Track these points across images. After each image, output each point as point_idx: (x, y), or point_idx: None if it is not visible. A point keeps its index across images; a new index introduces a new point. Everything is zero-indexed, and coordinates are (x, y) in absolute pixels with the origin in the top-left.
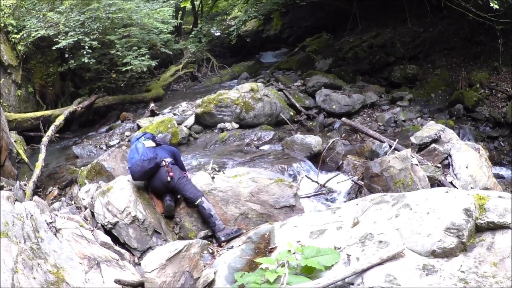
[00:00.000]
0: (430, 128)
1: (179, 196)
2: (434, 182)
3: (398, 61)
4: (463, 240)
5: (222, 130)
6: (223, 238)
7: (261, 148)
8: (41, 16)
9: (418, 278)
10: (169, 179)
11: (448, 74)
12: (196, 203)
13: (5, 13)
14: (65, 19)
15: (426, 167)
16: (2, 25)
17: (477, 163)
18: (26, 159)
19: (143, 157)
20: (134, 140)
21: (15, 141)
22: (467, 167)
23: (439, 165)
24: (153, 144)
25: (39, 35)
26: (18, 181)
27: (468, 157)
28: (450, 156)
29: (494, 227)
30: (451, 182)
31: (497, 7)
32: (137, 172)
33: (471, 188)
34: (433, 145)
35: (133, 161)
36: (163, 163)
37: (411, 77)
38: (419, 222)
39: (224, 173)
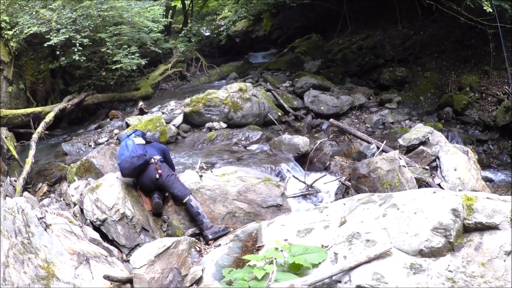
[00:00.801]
0: (419, 131)
1: (167, 194)
2: (422, 184)
3: (388, 63)
4: (451, 240)
5: (210, 129)
6: (210, 236)
7: (248, 148)
8: (33, 13)
9: (406, 277)
10: (157, 176)
11: (438, 77)
12: (184, 201)
13: None
14: (57, 16)
15: (413, 168)
16: None
17: (465, 166)
18: (16, 156)
19: (133, 153)
20: (125, 137)
21: (5, 137)
22: (455, 170)
23: (427, 167)
24: (143, 142)
25: (31, 32)
26: (8, 177)
27: (457, 159)
28: (438, 159)
29: (482, 228)
30: (438, 184)
31: (490, 11)
32: (126, 169)
33: (459, 190)
34: (421, 147)
35: (122, 157)
36: (152, 160)
37: (400, 80)
38: (406, 221)
39: (212, 171)
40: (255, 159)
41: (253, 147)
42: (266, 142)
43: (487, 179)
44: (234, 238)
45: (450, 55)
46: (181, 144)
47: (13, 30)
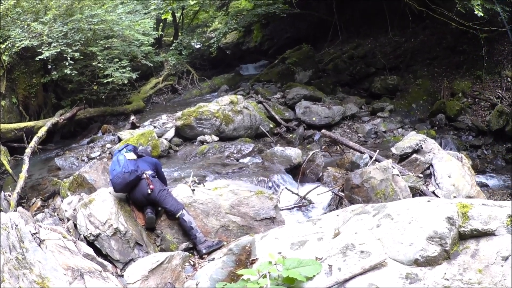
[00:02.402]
0: (411, 139)
1: (160, 209)
2: (416, 192)
3: (379, 72)
4: (446, 248)
5: (202, 142)
6: (204, 251)
7: (241, 160)
8: (25, 26)
9: (401, 287)
10: (149, 191)
11: (430, 84)
12: (177, 216)
13: None
14: (49, 29)
15: (407, 177)
16: None
17: (459, 172)
18: (10, 170)
19: (124, 169)
20: (116, 152)
21: None
22: (449, 177)
23: (421, 175)
24: (134, 157)
25: (23, 45)
26: (2, 192)
27: (450, 166)
28: (432, 166)
29: (478, 235)
30: (433, 192)
31: (482, 15)
32: (118, 184)
33: (454, 197)
34: (415, 155)
35: (114, 173)
36: (144, 175)
37: (392, 88)
38: (401, 231)
39: (204, 185)
40: (248, 172)
41: (245, 159)
42: (258, 155)
43: (482, 185)
44: (227, 252)
45: (442, 61)
46: (173, 158)
47: (5, 43)
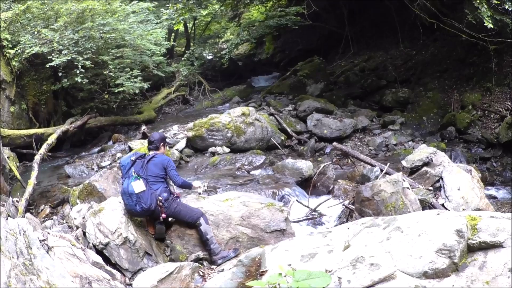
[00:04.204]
0: (422, 152)
1: (170, 219)
2: (426, 205)
3: (390, 84)
4: (455, 261)
5: (213, 154)
6: (219, 262)
7: (252, 172)
8: (35, 33)
9: None
10: (161, 219)
11: (440, 96)
12: (196, 225)
13: (0, 26)
14: (59, 37)
15: (417, 190)
16: None
17: (469, 185)
18: (18, 176)
19: (138, 207)
20: (125, 166)
21: (8, 157)
22: (458, 189)
23: (431, 188)
24: (144, 188)
25: (33, 52)
26: (10, 197)
27: (460, 179)
28: (442, 179)
29: (486, 247)
30: (442, 205)
31: (491, 26)
32: (132, 214)
33: (463, 209)
34: (425, 168)
35: (127, 203)
36: (157, 202)
37: (403, 101)
38: (410, 244)
39: (207, 188)
40: (259, 184)
41: (257, 171)
42: (269, 167)
43: (490, 197)
44: (237, 263)
45: (452, 73)
46: (184, 168)
47: (15, 49)
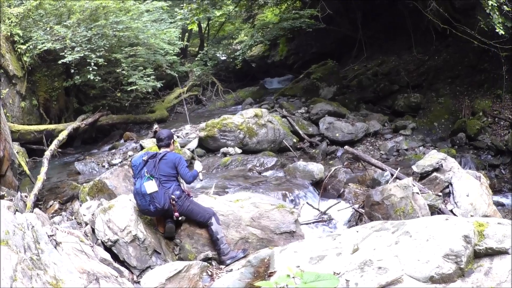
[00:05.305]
0: (432, 157)
1: (180, 218)
2: (435, 210)
3: (402, 89)
4: (461, 266)
5: (225, 154)
6: (228, 262)
7: (263, 174)
8: (48, 29)
9: None
10: (174, 218)
11: (452, 102)
12: (207, 224)
13: (11, 21)
14: (72, 33)
15: (427, 195)
16: (9, 34)
17: (477, 192)
18: (27, 171)
19: (152, 207)
20: (137, 164)
21: (17, 153)
22: (467, 196)
23: (440, 194)
24: (156, 188)
25: (45, 48)
26: (19, 192)
27: (469, 185)
28: (451, 185)
29: (492, 253)
30: (451, 210)
31: (503, 33)
32: (145, 214)
33: (471, 216)
34: (435, 173)
35: (141, 203)
36: (170, 201)
37: (415, 106)
38: (418, 248)
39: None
40: (270, 185)
41: (268, 173)
42: (280, 169)
43: (498, 204)
44: (246, 264)
45: (463, 80)
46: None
47: (27, 44)
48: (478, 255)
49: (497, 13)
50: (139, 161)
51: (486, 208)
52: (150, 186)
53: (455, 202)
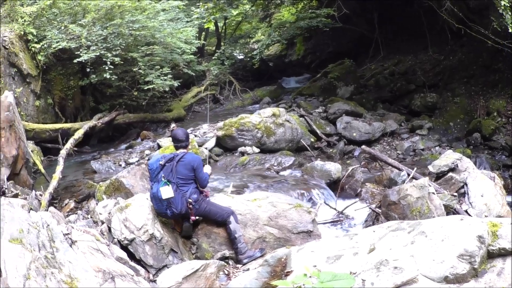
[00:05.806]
0: (448, 157)
1: (196, 217)
2: (450, 211)
3: (419, 89)
4: (475, 266)
5: (242, 153)
6: (245, 261)
7: (281, 173)
8: (62, 28)
9: None
10: (191, 221)
11: (467, 102)
12: (225, 223)
13: (25, 20)
14: (87, 32)
15: (442, 195)
16: (22, 33)
17: (492, 192)
18: (42, 170)
19: (169, 212)
20: (154, 168)
21: (32, 151)
22: (482, 196)
23: (455, 194)
24: (172, 194)
25: (60, 47)
26: (33, 191)
27: (484, 186)
28: (466, 185)
29: (505, 253)
30: (466, 211)
31: None
32: (162, 216)
33: (485, 216)
34: (450, 173)
35: (157, 208)
36: (187, 204)
37: (431, 106)
38: (433, 248)
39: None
40: (287, 185)
41: (285, 172)
42: (298, 168)
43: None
44: (263, 263)
45: (478, 79)
46: (213, 167)
47: (41, 43)
48: (491, 255)
49: (510, 13)
50: (156, 165)
51: (500, 208)
52: (166, 192)
53: (470, 203)
